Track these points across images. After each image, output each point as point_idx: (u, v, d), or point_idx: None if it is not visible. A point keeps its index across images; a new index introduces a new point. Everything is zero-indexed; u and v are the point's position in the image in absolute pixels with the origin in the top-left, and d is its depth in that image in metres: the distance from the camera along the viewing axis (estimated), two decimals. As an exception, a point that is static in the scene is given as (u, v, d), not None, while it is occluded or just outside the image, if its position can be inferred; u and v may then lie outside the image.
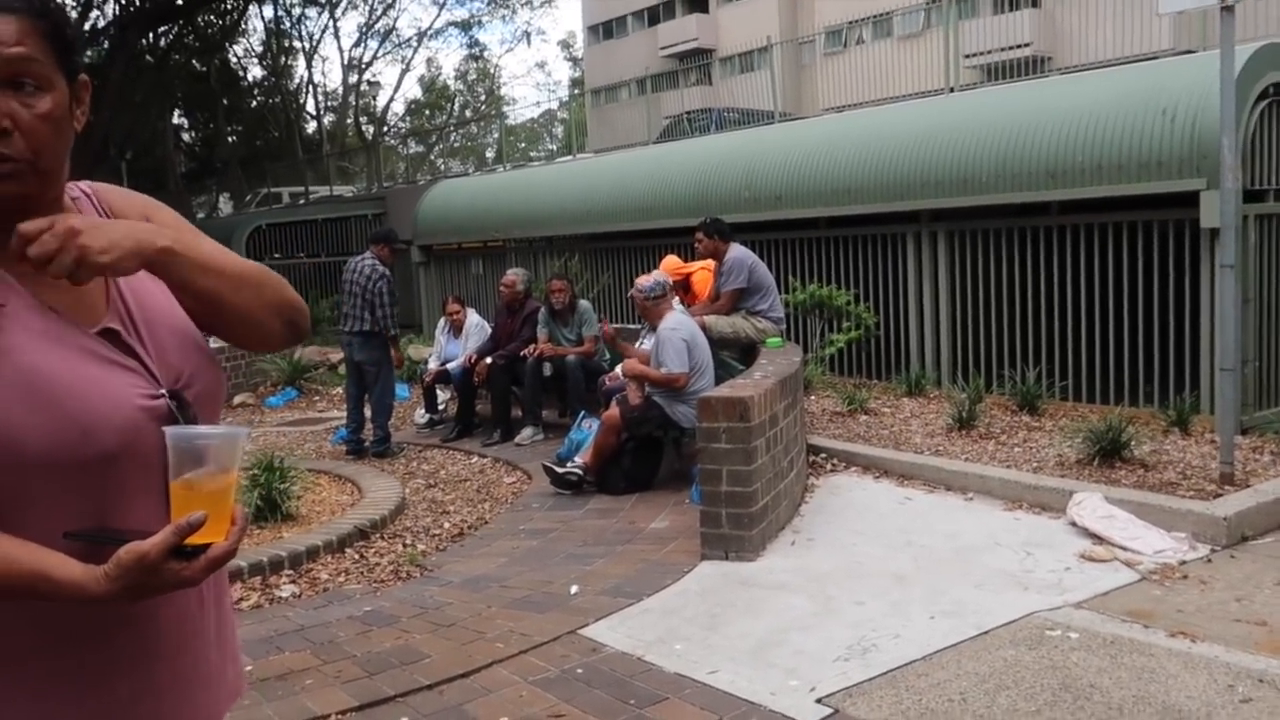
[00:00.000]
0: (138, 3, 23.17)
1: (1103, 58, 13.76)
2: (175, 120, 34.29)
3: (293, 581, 5.10)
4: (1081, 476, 5.64)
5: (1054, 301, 8.10)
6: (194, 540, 1.15)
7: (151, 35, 24.72)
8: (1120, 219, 7.60)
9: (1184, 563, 4.54)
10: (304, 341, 1.45)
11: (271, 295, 1.37)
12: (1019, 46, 17.74)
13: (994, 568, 4.59)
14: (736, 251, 7.41)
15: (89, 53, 24.77)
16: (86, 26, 23.60)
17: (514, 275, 8.97)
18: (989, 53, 17.04)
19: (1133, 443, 5.89)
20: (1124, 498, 5.10)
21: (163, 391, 1.26)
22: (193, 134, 37.63)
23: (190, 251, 1.25)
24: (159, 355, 1.29)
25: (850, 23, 22.13)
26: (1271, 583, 4.29)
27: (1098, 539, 4.80)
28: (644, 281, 6.84)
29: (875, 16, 21.50)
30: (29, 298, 1.22)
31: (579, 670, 3.70)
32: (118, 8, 23.86)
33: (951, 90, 11.84)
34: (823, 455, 6.54)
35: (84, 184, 1.39)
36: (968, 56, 15.35)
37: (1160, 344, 7.46)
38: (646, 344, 6.89)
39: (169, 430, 1.19)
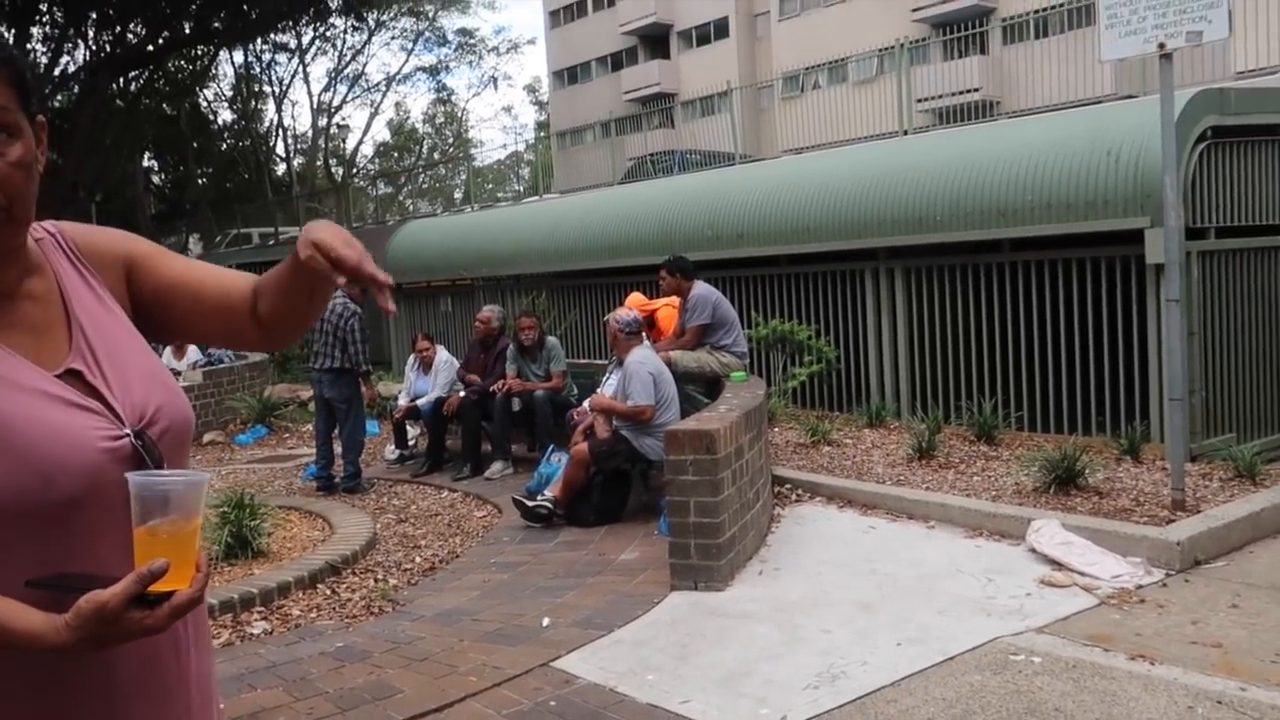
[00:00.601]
0: (108, 48, 23.03)
1: (1049, 102, 14.06)
2: (145, 163, 34.01)
3: (264, 618, 5.00)
4: (1039, 504, 5.67)
5: (1008, 335, 8.18)
6: (157, 588, 1.11)
7: (122, 80, 24.55)
8: (1069, 255, 7.71)
9: (1140, 587, 4.57)
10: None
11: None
12: (969, 91, 18.09)
13: (957, 594, 4.59)
14: (700, 289, 7.44)
15: (59, 97, 24.59)
16: (57, 71, 23.42)
17: (489, 312, 8.95)
18: (940, 97, 17.35)
19: (1087, 471, 5.93)
20: (1080, 524, 5.14)
21: (126, 432, 1.22)
22: (163, 176, 37.31)
23: None
24: (123, 394, 1.26)
25: (806, 68, 22.41)
26: (1225, 605, 4.32)
27: (1057, 565, 4.83)
28: (624, 314, 6.86)
29: (831, 62, 21.83)
30: None
31: (552, 703, 3.64)
32: (88, 53, 23.70)
33: (905, 133, 12.02)
34: (788, 486, 6.54)
35: (48, 224, 1.36)
36: (920, 101, 15.60)
37: (1110, 375, 7.55)
38: (612, 381, 6.87)
39: (131, 477, 1.15)
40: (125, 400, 1.25)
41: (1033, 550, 5.02)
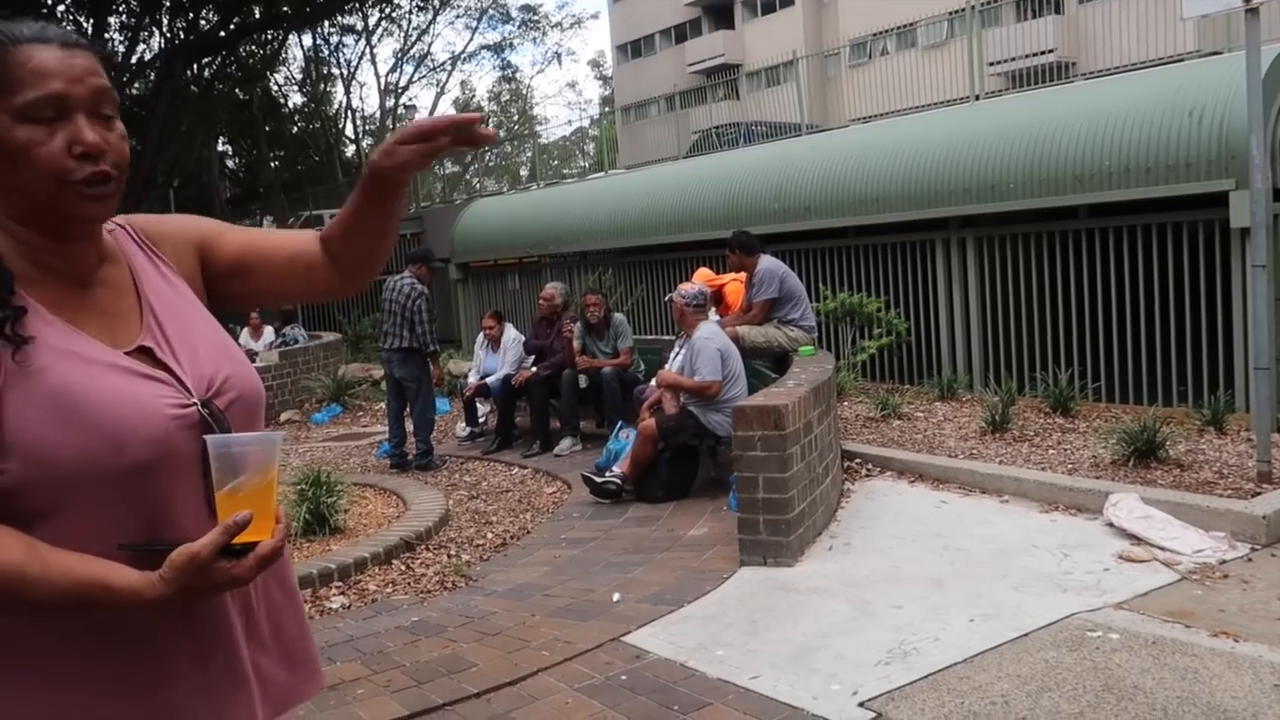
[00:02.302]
0: (182, 35, 23.52)
1: (1127, 61, 13.61)
2: (220, 148, 34.75)
3: (342, 593, 5.12)
4: (1117, 477, 5.56)
5: (1084, 304, 8.01)
6: (241, 539, 1.18)
7: (196, 66, 25.07)
8: (1149, 221, 7.51)
9: (1224, 562, 4.46)
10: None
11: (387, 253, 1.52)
12: (1043, 53, 17.58)
13: (1032, 570, 4.52)
14: (767, 262, 7.39)
15: (136, 85, 25.19)
16: (133, 60, 23.99)
17: (552, 289, 9.00)
18: (1013, 60, 16.91)
19: (1168, 443, 5.79)
20: (1160, 498, 5.02)
21: (194, 401, 1.28)
22: (236, 160, 38.12)
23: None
24: (191, 366, 1.32)
25: (874, 34, 22.03)
26: (1313, 581, 4.20)
27: (1135, 539, 4.72)
28: (688, 288, 6.86)
29: (899, 28, 21.42)
30: (59, 324, 1.25)
31: (623, 677, 3.68)
32: (163, 41, 24.23)
33: (977, 98, 11.75)
34: (857, 460, 6.49)
35: (120, 218, 1.43)
36: (992, 64, 15.24)
37: (1192, 344, 7.35)
38: (679, 356, 6.87)
39: (210, 439, 1.22)
40: (194, 372, 1.31)
41: (1110, 524, 4.92)
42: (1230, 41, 9.94)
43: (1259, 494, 5.04)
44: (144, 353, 1.30)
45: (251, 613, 1.37)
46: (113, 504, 1.21)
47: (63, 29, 1.27)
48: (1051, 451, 6.29)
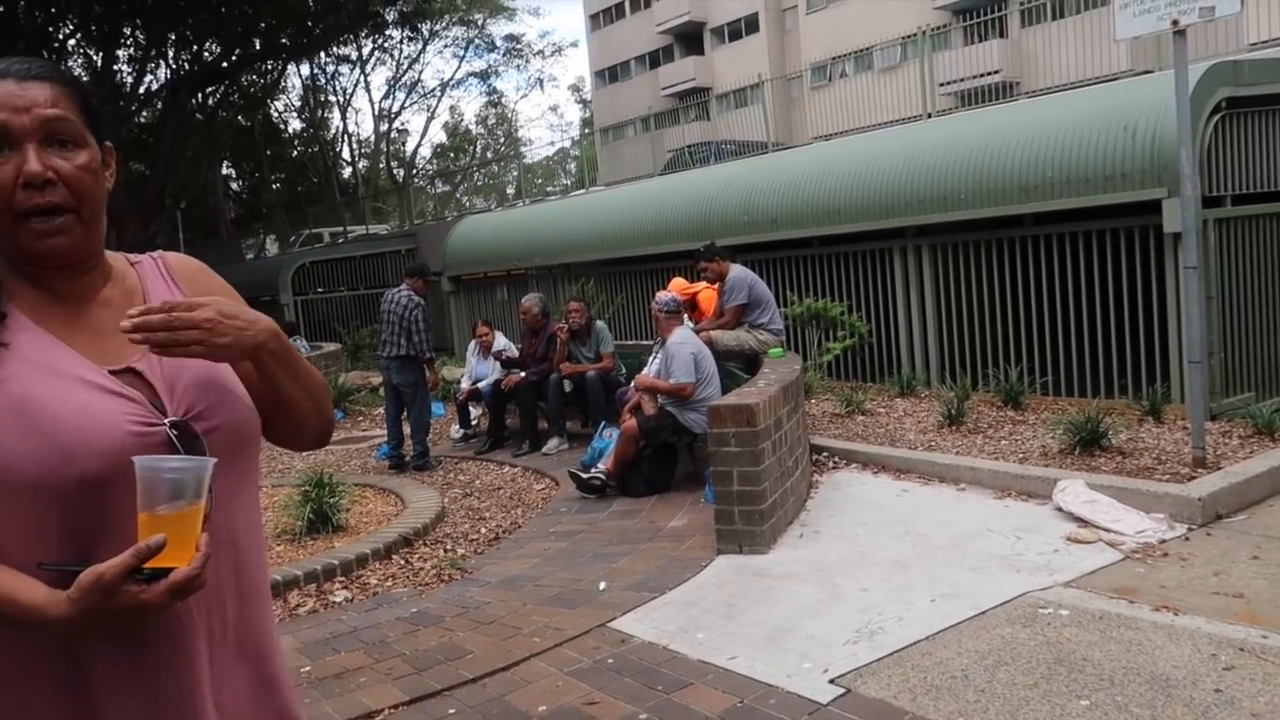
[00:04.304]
0: (187, 66, 23.37)
1: (1066, 80, 13.73)
2: (224, 171, 34.52)
3: (345, 587, 5.08)
4: (1064, 465, 5.59)
5: (1032, 305, 8.05)
6: (157, 564, 1.08)
7: (200, 95, 24.92)
8: (1089, 227, 7.56)
9: (1164, 541, 4.49)
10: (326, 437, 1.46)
11: (324, 409, 1.39)
12: (989, 74, 17.73)
13: (987, 552, 4.54)
14: (737, 271, 7.41)
15: (144, 114, 25.00)
16: (141, 89, 23.81)
17: (528, 301, 8.96)
18: (962, 80, 17.04)
19: (1110, 432, 5.83)
20: (1105, 483, 5.05)
21: (164, 422, 1.20)
22: (240, 183, 37.92)
23: (291, 354, 1.29)
24: (177, 392, 1.24)
25: (834, 58, 22.12)
26: (1246, 557, 4.23)
27: (1082, 522, 4.75)
28: (663, 296, 6.91)
29: (856, 52, 21.51)
30: (42, 336, 1.20)
31: (610, 660, 3.67)
32: (169, 72, 24.07)
33: (929, 116, 11.82)
34: (824, 454, 6.50)
35: (155, 253, 1.39)
36: (942, 85, 15.34)
37: (1131, 340, 7.41)
38: (657, 360, 6.87)
39: (138, 459, 1.11)
40: (177, 398, 1.24)
41: (1059, 509, 4.95)
42: (1160, 61, 10.04)
43: (1194, 478, 5.08)
44: (132, 373, 1.24)
45: (215, 660, 1.26)
46: (61, 517, 1.13)
47: (29, 63, 1.21)
48: (1004, 442, 6.32)
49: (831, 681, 3.32)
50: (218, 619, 1.26)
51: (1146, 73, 9.83)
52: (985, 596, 3.97)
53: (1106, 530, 4.62)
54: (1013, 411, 7.15)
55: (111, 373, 1.22)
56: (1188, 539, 4.52)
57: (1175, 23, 5.21)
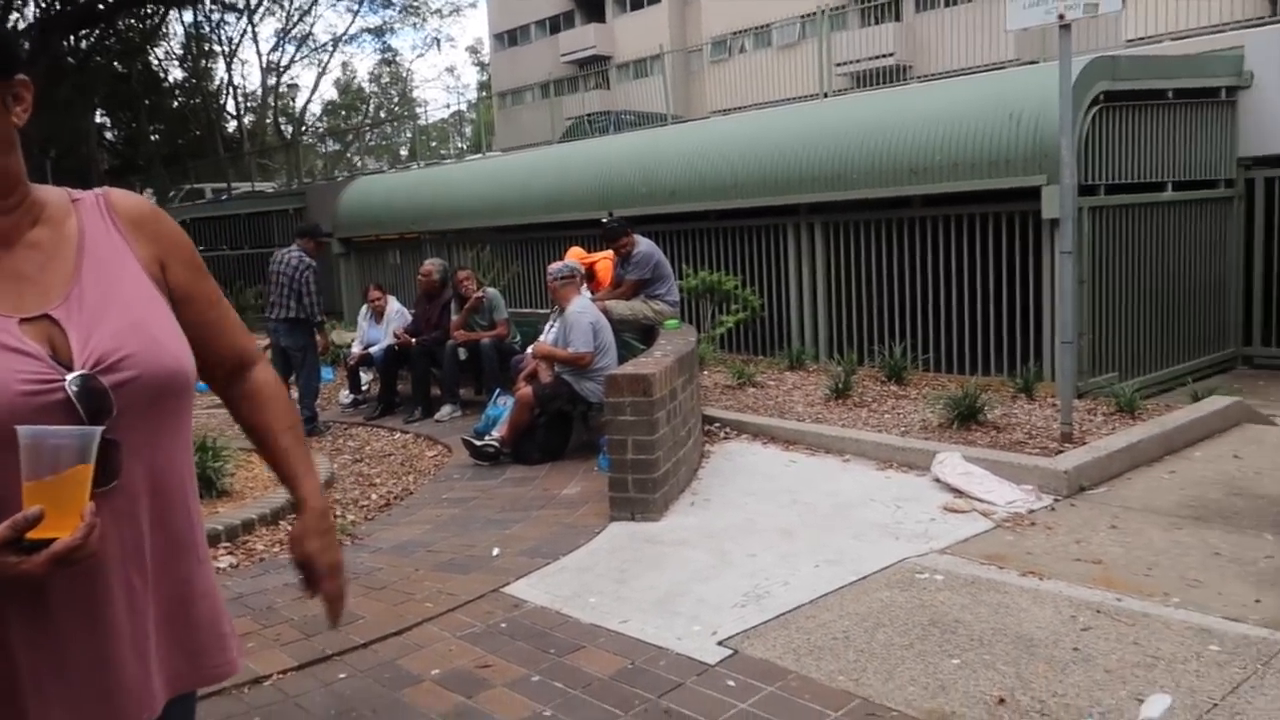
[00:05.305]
0: (59, 6, 22.03)
1: (956, 66, 14.16)
2: (98, 119, 32.74)
3: (230, 553, 4.96)
4: (943, 438, 5.83)
5: (917, 284, 8.33)
6: (39, 534, 1.07)
7: (73, 38, 23.54)
8: (974, 211, 7.85)
9: (1032, 511, 4.75)
10: None
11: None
12: (884, 56, 18.12)
13: (869, 521, 4.72)
14: (645, 245, 7.44)
15: (10, 54, 23.41)
16: (8, 28, 22.33)
17: (430, 265, 8.84)
18: (858, 61, 17.37)
19: (986, 408, 6.10)
20: (979, 456, 5.30)
21: (62, 379, 1.15)
22: (116, 133, 36.00)
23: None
24: (91, 341, 1.19)
25: (734, 33, 22.28)
26: (1105, 526, 4.51)
27: (958, 493, 4.98)
28: (555, 266, 6.87)
29: (756, 28, 21.73)
30: None
31: (503, 625, 3.70)
32: (38, 11, 22.66)
33: (825, 95, 12.04)
34: (716, 425, 6.62)
35: (98, 189, 1.34)
36: (839, 65, 15.61)
37: (1009, 320, 7.74)
38: (554, 329, 6.87)
39: (21, 429, 1.08)
40: (90, 347, 1.18)
41: (937, 480, 5.17)
42: (1045, 52, 10.44)
43: (1061, 452, 5.38)
44: (49, 321, 1.19)
45: (138, 612, 1.25)
46: None
47: None
48: (887, 416, 6.55)
49: (720, 643, 3.42)
50: (136, 572, 1.24)
51: (1032, 63, 10.21)
52: (866, 562, 4.13)
53: (980, 500, 4.85)
54: (896, 386, 7.40)
55: (24, 320, 1.18)
56: (1053, 509, 4.79)
57: (1061, 16, 5.43)
